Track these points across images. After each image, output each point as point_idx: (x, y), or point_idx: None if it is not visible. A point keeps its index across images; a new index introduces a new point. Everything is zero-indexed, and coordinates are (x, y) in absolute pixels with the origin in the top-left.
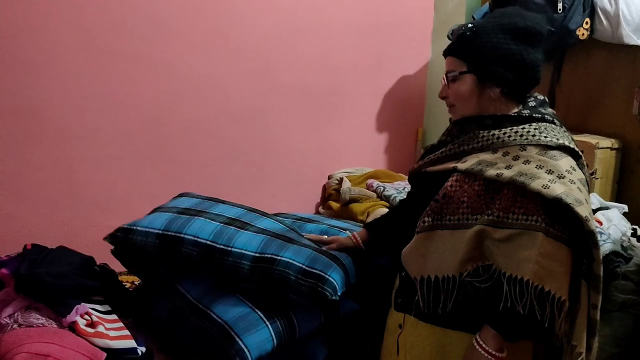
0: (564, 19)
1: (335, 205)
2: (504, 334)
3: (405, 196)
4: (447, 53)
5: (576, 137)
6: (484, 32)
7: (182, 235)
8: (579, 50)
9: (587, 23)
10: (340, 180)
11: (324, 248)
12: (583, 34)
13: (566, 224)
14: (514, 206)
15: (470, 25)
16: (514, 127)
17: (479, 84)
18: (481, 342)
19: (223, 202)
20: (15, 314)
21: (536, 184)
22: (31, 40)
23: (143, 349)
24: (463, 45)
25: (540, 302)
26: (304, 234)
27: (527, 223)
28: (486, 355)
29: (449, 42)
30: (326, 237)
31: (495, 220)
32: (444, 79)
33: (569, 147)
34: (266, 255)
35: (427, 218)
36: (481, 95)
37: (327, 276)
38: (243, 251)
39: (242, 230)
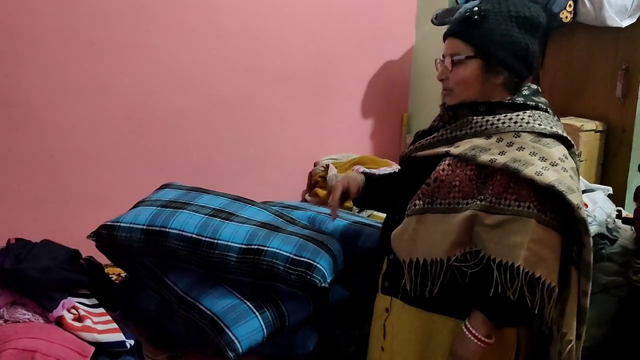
0: (547, 2)
1: (321, 192)
2: (493, 319)
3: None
4: (450, 35)
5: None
6: (492, 18)
7: (167, 230)
8: (563, 34)
9: (570, 6)
10: (327, 167)
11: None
12: (566, 17)
13: (557, 211)
14: (506, 192)
15: (477, 8)
16: (508, 114)
17: (484, 70)
18: (470, 328)
19: (207, 191)
20: (1, 310)
21: (529, 171)
22: (10, 30)
23: (132, 341)
24: (470, 29)
25: (531, 288)
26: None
27: (519, 209)
28: (475, 340)
29: (434, 26)
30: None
31: (487, 206)
32: (438, 62)
33: (562, 135)
34: (253, 247)
35: (418, 201)
36: (484, 82)
37: (315, 263)
38: (229, 243)
39: (228, 222)
